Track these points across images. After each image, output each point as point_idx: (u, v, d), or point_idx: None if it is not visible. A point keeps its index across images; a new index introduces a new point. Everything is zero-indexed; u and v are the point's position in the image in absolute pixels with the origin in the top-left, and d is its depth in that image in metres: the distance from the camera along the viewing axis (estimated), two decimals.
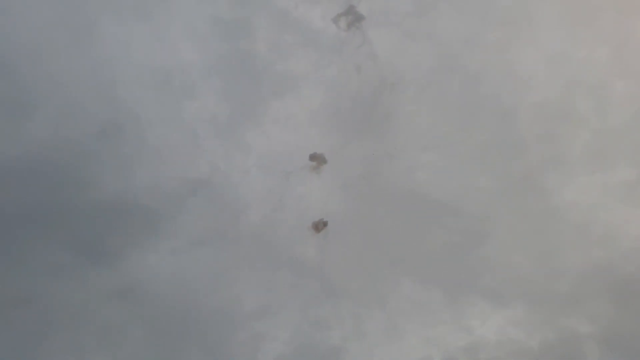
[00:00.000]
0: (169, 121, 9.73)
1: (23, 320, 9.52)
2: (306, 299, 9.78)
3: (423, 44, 9.47)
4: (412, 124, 9.62)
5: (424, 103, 9.59)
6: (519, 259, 9.34)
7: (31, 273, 9.68)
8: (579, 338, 9.06)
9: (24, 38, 9.33)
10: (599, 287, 9.05)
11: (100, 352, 9.53)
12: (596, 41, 9.20)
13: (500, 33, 9.24)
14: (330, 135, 9.77)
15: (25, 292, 9.60)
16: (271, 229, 9.89)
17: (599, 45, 9.21)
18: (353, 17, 9.31)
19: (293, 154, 9.91)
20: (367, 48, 9.64)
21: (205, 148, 9.83)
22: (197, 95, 9.73)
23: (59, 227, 9.69)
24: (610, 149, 9.09)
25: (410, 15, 9.43)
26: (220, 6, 9.55)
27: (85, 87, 9.51)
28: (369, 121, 9.71)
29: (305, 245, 9.86)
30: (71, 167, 9.65)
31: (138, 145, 9.65)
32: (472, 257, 9.44)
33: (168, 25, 9.59)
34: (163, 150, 9.72)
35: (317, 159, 9.59)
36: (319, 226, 9.52)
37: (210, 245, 9.84)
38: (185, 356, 9.59)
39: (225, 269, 9.83)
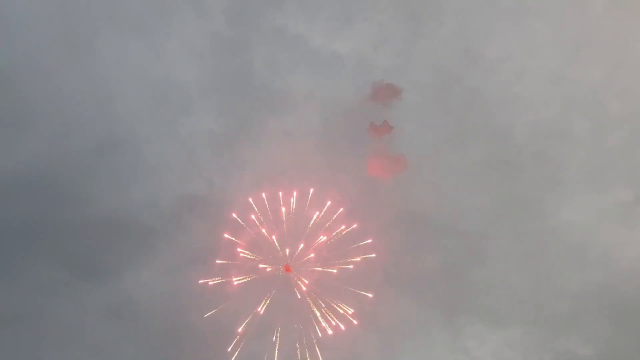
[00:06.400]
0: (166, 137, 9.73)
1: (15, 337, 9.41)
2: (303, 318, 9.70)
3: (421, 61, 9.51)
4: (409, 142, 9.63)
5: (421, 121, 9.61)
6: (517, 280, 9.34)
7: (24, 290, 9.60)
8: None
9: (22, 54, 9.34)
10: (596, 309, 9.04)
11: None
12: (593, 62, 9.28)
13: (498, 53, 9.31)
14: (327, 153, 9.77)
15: (17, 309, 9.50)
16: (266, 247, 9.83)
17: (595, 66, 9.28)
18: None
19: (289, 171, 9.90)
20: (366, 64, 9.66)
21: (202, 164, 9.82)
22: (194, 112, 9.74)
23: (53, 243, 9.64)
24: (606, 169, 9.14)
25: (409, 32, 9.48)
26: (219, 24, 9.62)
27: (82, 103, 9.54)
28: (365, 139, 9.71)
29: (301, 262, 9.81)
30: (67, 183, 9.62)
31: (134, 162, 9.63)
32: (470, 277, 9.43)
33: (166, 42, 9.62)
34: (159, 167, 9.69)
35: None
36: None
37: (205, 264, 9.78)
38: None
39: (220, 287, 9.75)
